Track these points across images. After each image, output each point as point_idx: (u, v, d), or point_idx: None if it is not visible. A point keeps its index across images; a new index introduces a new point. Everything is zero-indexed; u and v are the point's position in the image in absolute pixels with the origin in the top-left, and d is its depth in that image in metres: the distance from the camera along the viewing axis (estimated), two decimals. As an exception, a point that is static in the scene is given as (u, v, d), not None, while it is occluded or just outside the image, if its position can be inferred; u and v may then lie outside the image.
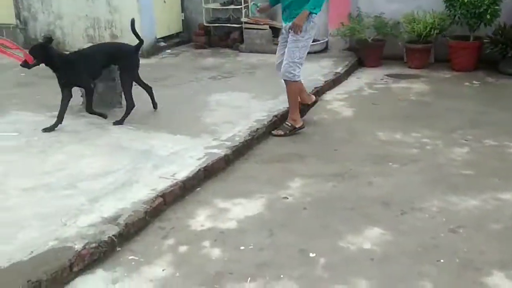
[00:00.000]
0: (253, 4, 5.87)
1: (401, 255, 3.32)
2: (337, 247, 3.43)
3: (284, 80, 5.31)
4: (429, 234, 3.54)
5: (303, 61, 5.28)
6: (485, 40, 7.54)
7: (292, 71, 5.20)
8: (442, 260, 3.25)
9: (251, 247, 3.44)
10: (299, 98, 5.52)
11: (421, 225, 3.67)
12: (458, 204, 3.93)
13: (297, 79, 5.28)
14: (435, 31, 7.62)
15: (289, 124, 5.37)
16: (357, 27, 8.01)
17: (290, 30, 5.16)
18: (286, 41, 5.29)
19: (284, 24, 5.32)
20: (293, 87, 5.32)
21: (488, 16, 7.18)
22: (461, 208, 3.87)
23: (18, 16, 9.00)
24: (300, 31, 5.09)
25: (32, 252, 3.19)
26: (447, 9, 7.64)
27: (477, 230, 3.58)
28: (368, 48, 8.06)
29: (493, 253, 3.30)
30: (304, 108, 5.75)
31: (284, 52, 5.30)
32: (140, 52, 5.79)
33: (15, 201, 3.85)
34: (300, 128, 5.40)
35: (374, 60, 8.05)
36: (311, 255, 3.34)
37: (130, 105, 5.52)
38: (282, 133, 5.33)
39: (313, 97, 5.86)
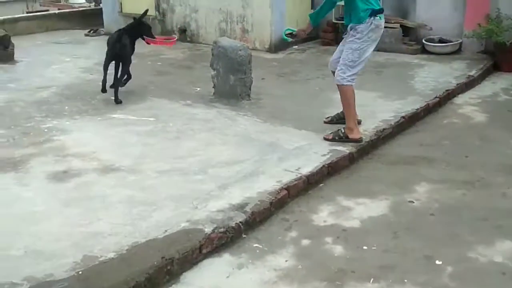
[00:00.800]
0: (286, 29, 6.16)
1: (537, 273, 3.13)
2: (466, 257, 3.30)
3: (337, 84, 4.91)
4: None
5: (358, 66, 4.82)
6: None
7: (341, 74, 4.79)
8: None
9: (374, 248, 3.42)
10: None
11: (561, 244, 3.43)
12: None
13: (346, 83, 4.80)
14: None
15: (343, 132, 4.85)
16: (495, 29, 7.57)
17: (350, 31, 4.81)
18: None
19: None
20: (345, 90, 4.84)
21: None
22: None
23: (157, 8, 9.56)
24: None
25: (166, 231, 3.41)
26: None
27: None
28: (505, 52, 7.58)
29: None
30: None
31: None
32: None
33: (152, 182, 4.13)
34: (356, 141, 4.81)
35: (511, 65, 7.57)
36: (437, 262, 3.25)
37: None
38: (331, 137, 4.86)
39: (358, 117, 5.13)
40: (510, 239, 3.47)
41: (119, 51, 6.00)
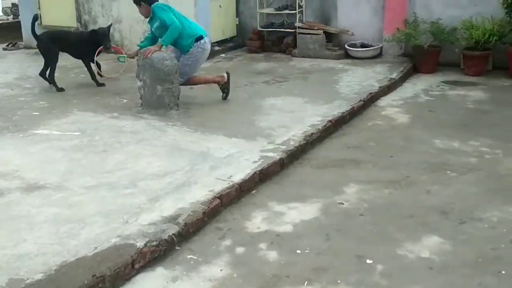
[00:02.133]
0: (120, 57, 7.01)
1: (461, 265, 3.27)
2: (395, 254, 3.40)
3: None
4: (490, 245, 3.47)
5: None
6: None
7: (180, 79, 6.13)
8: (503, 272, 3.18)
9: (308, 251, 3.46)
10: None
11: (481, 235, 3.61)
12: (519, 215, 3.84)
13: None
14: (494, 38, 7.44)
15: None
16: (413, 32, 7.92)
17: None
18: None
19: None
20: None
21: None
22: (523, 220, 3.78)
23: (79, 19, 9.32)
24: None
25: (96, 248, 3.31)
26: (506, 15, 7.47)
27: (541, 243, 3.49)
28: (424, 55, 7.95)
29: (558, 267, 3.21)
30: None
31: None
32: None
33: (79, 199, 3.99)
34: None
35: (430, 67, 7.94)
36: (368, 261, 3.33)
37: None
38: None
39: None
40: (435, 235, 3.61)
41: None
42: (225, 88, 6.49)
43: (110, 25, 7.46)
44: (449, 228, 3.70)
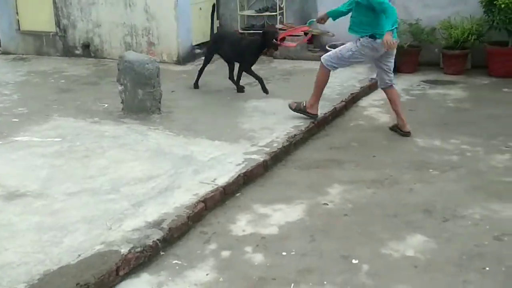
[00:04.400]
0: (310, 21, 6.51)
1: (445, 263, 3.29)
2: (380, 254, 3.42)
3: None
4: (473, 242, 3.50)
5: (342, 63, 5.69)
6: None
7: (326, 56, 5.71)
8: (487, 268, 3.22)
9: (293, 252, 3.46)
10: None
11: (464, 232, 3.64)
12: (501, 211, 3.88)
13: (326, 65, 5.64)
14: (473, 37, 7.52)
15: (304, 105, 5.67)
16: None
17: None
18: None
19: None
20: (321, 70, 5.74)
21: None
22: (505, 216, 3.82)
23: (58, 24, 9.20)
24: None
25: (79, 255, 3.27)
26: (485, 14, 7.54)
27: (523, 239, 3.53)
28: (404, 55, 7.96)
29: (540, 262, 3.25)
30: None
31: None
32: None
33: (61, 206, 3.94)
34: (312, 116, 5.65)
35: (410, 66, 7.99)
36: (354, 261, 3.34)
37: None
38: (294, 107, 5.72)
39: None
40: (419, 233, 3.63)
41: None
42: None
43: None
44: (432, 226, 3.73)
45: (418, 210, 3.96)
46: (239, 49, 6.65)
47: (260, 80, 6.56)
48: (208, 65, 7.12)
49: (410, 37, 7.95)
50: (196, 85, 7.07)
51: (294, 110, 5.68)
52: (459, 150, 5.04)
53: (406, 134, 5.44)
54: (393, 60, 5.58)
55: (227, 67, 7.05)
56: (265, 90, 6.48)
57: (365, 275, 3.20)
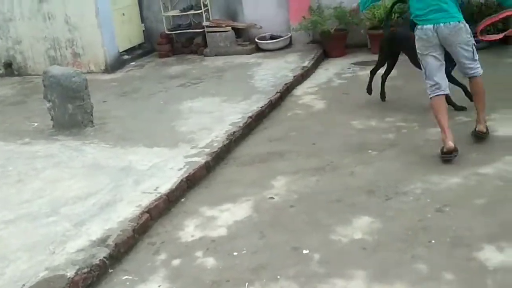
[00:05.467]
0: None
1: (393, 241, 3.36)
2: (329, 240, 3.45)
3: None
4: (417, 217, 3.58)
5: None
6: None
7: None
8: (433, 241, 3.30)
9: (244, 251, 3.44)
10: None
11: (408, 208, 3.72)
12: (440, 183, 3.99)
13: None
14: (395, 15, 7.70)
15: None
16: (319, 19, 8.07)
17: None
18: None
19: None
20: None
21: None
22: (444, 187, 3.93)
23: (-25, 43, 8.80)
24: None
25: (23, 285, 3.14)
26: (405, -9, 7.73)
27: (463, 207, 3.64)
28: (331, 39, 8.12)
29: (481, 228, 3.36)
30: None
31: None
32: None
33: (-1, 235, 3.77)
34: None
35: (339, 50, 8.12)
36: (305, 252, 3.35)
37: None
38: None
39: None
40: (365, 215, 3.68)
41: None
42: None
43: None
44: (377, 206, 3.79)
45: (361, 192, 4.02)
46: None
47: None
48: (138, 70, 6.97)
49: (336, 21, 8.07)
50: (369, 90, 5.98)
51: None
52: (395, 128, 5.15)
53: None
54: None
55: (159, 70, 6.92)
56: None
57: (317, 264, 3.22)
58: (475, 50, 4.55)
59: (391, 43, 5.82)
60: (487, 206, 3.62)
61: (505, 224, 3.37)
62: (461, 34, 4.45)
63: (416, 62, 5.05)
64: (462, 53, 4.50)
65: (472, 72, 4.57)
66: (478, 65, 4.56)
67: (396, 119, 5.31)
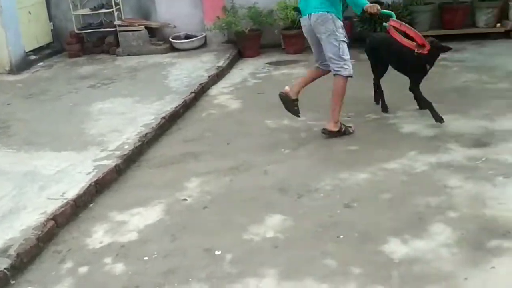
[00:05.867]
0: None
1: (303, 238, 3.40)
2: (242, 240, 3.44)
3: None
4: (327, 213, 3.65)
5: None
6: (354, 19, 7.89)
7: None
8: (341, 236, 3.37)
9: (155, 255, 3.36)
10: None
11: (318, 205, 3.79)
12: (349, 179, 4.09)
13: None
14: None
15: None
16: (233, 19, 8.07)
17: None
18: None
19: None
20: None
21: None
22: (353, 183, 4.04)
23: None
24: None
25: None
26: (316, -8, 7.89)
27: (370, 202, 3.75)
28: (246, 39, 8.16)
29: (387, 222, 3.48)
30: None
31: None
32: None
33: None
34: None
35: (253, 50, 8.17)
36: (217, 253, 3.32)
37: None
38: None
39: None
40: (277, 213, 3.71)
41: None
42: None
43: None
44: (289, 204, 3.83)
45: (274, 190, 4.05)
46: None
47: None
48: (46, 70, 6.66)
49: (250, 21, 8.11)
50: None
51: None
52: (306, 126, 5.23)
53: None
54: None
55: (69, 70, 6.65)
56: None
57: (229, 265, 3.20)
58: (343, 49, 4.77)
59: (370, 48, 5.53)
60: (393, 200, 3.75)
61: (409, 217, 3.51)
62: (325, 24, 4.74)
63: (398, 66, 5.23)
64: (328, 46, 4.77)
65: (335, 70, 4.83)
66: (346, 66, 4.78)
67: (308, 118, 5.40)
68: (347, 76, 4.83)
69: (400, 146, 4.56)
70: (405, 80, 5.15)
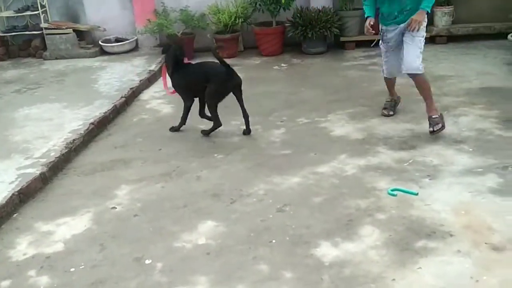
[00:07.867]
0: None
1: (236, 244, 3.37)
2: (173, 248, 3.37)
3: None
4: (259, 218, 3.64)
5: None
6: (286, 24, 7.98)
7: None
8: (274, 241, 3.37)
9: (82, 266, 3.24)
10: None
11: (251, 210, 3.77)
12: (282, 183, 4.11)
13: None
14: (240, 20, 7.87)
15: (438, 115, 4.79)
16: (165, 22, 7.96)
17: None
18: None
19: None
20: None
21: (283, 1, 7.57)
22: (285, 187, 4.05)
23: None
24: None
25: None
26: (248, -4, 7.93)
27: (302, 206, 3.77)
28: (178, 43, 8.04)
29: (318, 225, 3.51)
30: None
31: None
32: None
33: None
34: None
35: (186, 54, 8.06)
36: (147, 262, 3.24)
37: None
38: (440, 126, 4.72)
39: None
40: (209, 219, 3.67)
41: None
42: None
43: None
44: (221, 210, 3.79)
45: (206, 196, 4.00)
46: None
47: None
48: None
49: (182, 25, 8.03)
50: None
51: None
52: (240, 131, 5.21)
53: None
54: None
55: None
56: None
57: (159, 274, 3.13)
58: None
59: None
60: (324, 203, 3.79)
61: (340, 220, 3.55)
62: None
63: None
64: None
65: None
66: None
67: (241, 123, 5.37)
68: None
69: (331, 150, 4.63)
70: (335, 83, 5.23)
